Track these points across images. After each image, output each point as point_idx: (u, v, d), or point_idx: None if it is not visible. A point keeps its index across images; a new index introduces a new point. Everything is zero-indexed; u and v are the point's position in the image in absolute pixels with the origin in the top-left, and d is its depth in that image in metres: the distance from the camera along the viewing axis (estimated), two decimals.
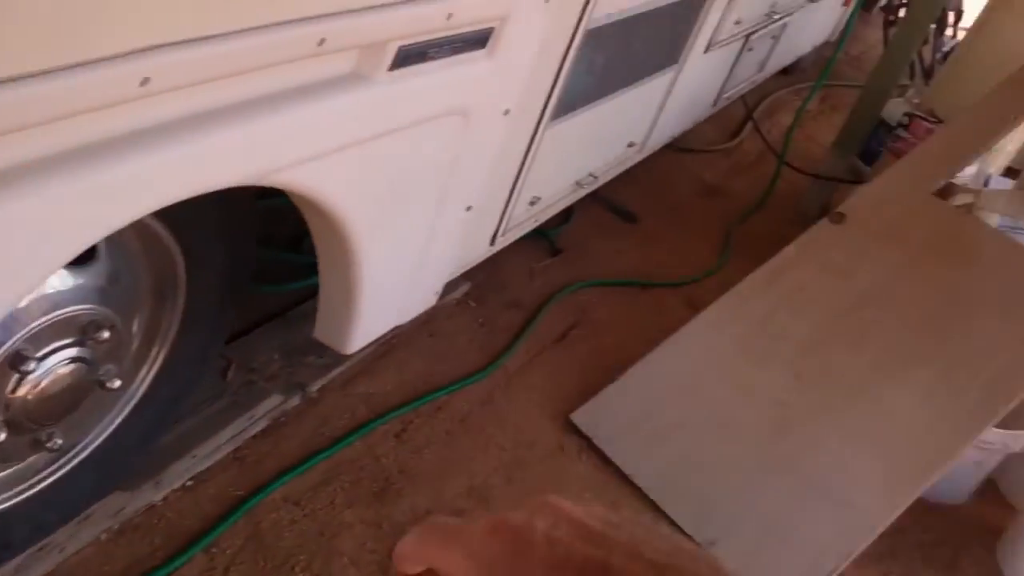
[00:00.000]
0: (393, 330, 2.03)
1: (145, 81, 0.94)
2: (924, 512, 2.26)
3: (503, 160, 1.95)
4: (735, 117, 4.11)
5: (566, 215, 3.04)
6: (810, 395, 1.98)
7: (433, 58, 1.39)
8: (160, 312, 1.50)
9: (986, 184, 2.70)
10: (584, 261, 2.97)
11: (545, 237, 2.95)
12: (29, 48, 0.82)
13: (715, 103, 3.38)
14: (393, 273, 1.76)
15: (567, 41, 1.84)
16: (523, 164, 2.07)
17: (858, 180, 3.41)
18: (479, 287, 2.65)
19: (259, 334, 2.19)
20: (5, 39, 0.79)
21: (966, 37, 3.57)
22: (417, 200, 1.66)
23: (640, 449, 2.14)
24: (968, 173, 2.56)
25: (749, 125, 4.04)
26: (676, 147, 3.53)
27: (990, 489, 2.53)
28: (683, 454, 2.09)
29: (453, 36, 1.39)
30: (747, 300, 2.09)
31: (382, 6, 1.20)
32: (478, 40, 1.47)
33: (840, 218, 2.18)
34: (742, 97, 3.75)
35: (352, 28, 1.18)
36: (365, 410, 2.16)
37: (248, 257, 1.59)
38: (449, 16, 1.33)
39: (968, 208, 2.30)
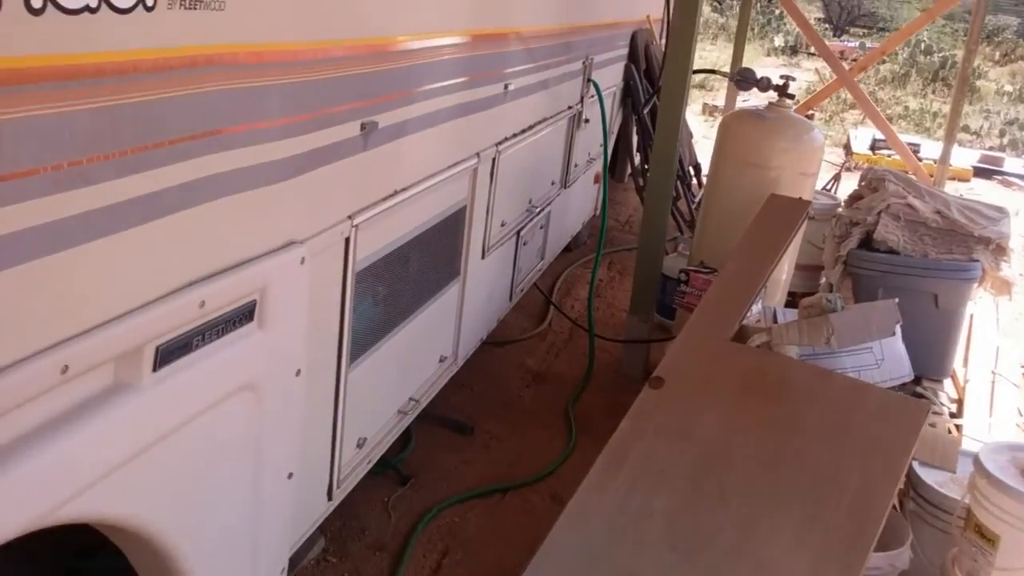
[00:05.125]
0: None
1: None
2: None
3: (313, 416, 1.93)
4: (538, 300, 4.31)
5: (405, 440, 2.99)
6: (692, 566, 1.94)
7: (199, 346, 1.38)
8: None
9: (775, 320, 2.88)
10: (436, 482, 2.90)
11: (391, 467, 2.87)
12: None
13: (511, 297, 3.54)
14: (224, 566, 1.64)
15: (340, 288, 1.90)
16: (336, 413, 2.05)
17: (666, 335, 3.55)
18: (337, 538, 2.53)
19: None
20: None
21: (705, 188, 3.91)
22: (230, 485, 1.60)
23: None
24: (755, 312, 2.72)
25: (552, 308, 4.25)
26: (492, 343, 3.62)
27: None
28: None
29: (214, 320, 1.40)
30: (602, 487, 2.07)
31: (124, 315, 1.19)
32: (243, 315, 1.49)
33: (659, 383, 2.24)
34: (535, 284, 3.96)
35: (96, 347, 1.16)
36: None
37: None
38: (202, 304, 1.35)
39: (766, 346, 2.44)
